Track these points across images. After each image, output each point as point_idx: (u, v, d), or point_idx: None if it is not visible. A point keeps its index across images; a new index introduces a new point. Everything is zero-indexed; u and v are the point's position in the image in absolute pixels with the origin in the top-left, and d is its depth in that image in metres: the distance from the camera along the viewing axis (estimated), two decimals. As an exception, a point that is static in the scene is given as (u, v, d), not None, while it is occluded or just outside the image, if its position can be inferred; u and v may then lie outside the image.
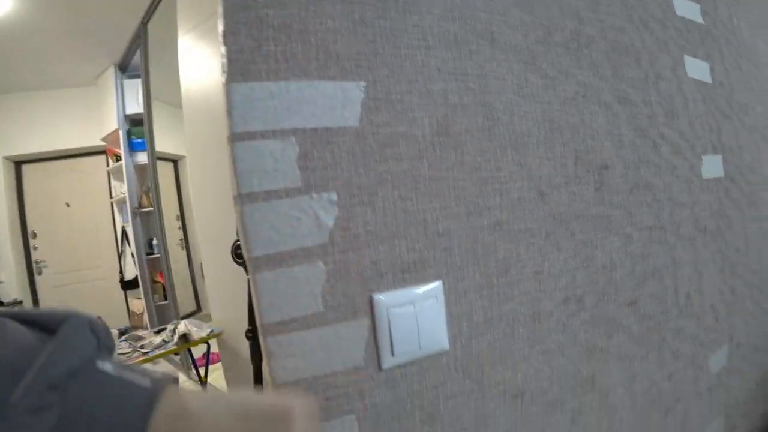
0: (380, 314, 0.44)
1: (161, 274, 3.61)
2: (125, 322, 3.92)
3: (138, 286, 3.61)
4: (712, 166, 1.00)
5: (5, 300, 3.75)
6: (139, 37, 3.01)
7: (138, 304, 3.76)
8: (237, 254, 1.45)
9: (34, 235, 3.86)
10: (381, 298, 0.44)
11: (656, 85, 0.81)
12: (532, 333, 0.57)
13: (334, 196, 0.43)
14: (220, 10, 0.42)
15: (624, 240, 0.72)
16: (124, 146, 3.34)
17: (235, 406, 0.32)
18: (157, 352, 1.86)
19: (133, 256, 3.65)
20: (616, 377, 0.73)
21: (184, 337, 1.95)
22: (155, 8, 2.81)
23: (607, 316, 0.69)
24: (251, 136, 0.43)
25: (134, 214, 3.45)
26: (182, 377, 3.25)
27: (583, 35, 0.67)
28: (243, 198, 0.42)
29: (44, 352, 0.27)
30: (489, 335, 0.53)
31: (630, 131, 0.75)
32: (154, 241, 3.55)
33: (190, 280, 4.32)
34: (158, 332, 2.06)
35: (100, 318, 0.33)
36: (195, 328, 2.02)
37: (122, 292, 3.96)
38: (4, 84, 3.48)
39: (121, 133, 3.32)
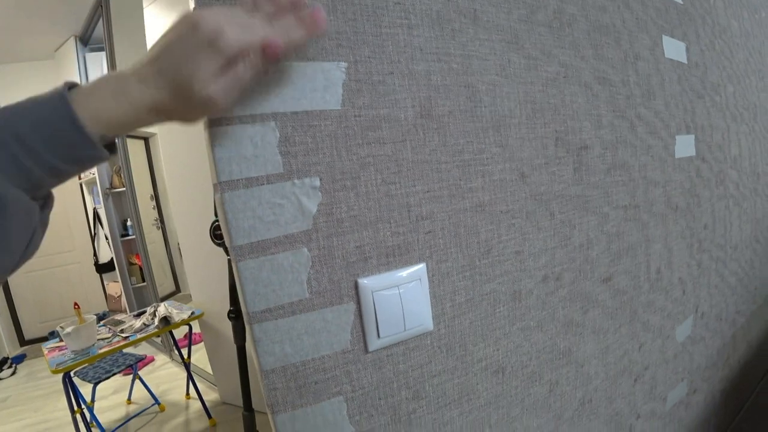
0: (365, 298, 0.44)
1: (137, 256, 3.53)
2: (103, 307, 3.85)
3: (114, 269, 3.53)
4: (684, 146, 1.03)
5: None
6: (101, 7, 2.82)
7: (115, 287, 3.68)
8: (216, 235, 1.42)
9: (-1, 220, 3.67)
10: (366, 282, 0.45)
11: (635, 65, 0.82)
12: (513, 311, 0.59)
13: (316, 182, 0.43)
14: (191, -16, 0.40)
15: (600, 219, 0.74)
16: (91, 125, 3.17)
17: (147, 54, 0.32)
18: (138, 336, 1.84)
19: (107, 239, 3.55)
20: (591, 349, 0.76)
21: (165, 320, 1.92)
22: (118, -24, 2.63)
23: (584, 293, 0.71)
24: (229, 120, 0.41)
25: (106, 196, 3.33)
26: (165, 358, 3.25)
27: (565, 14, 0.66)
28: (223, 186, 0.41)
29: None
30: (471, 314, 0.54)
31: (609, 112, 0.76)
32: (129, 223, 3.45)
33: (167, 260, 4.24)
34: (138, 315, 2.03)
35: None
36: (176, 310, 2.00)
37: (98, 275, 3.86)
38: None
39: (87, 110, 3.14)
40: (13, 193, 0.27)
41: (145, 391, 2.46)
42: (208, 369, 2.56)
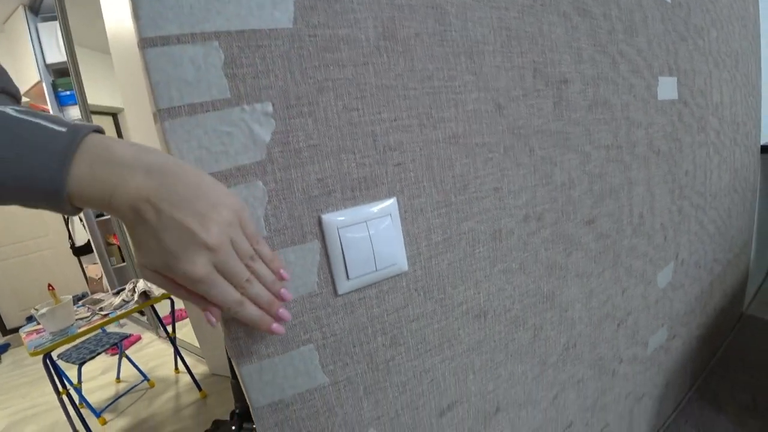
0: (331, 236, 0.41)
1: (115, 236, 3.43)
2: (84, 290, 3.76)
3: (92, 251, 3.43)
4: (667, 88, 1.00)
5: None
6: (49, -28, 2.61)
7: (95, 269, 3.59)
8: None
9: (-34, 208, 3.52)
10: (330, 218, 0.41)
11: (616, -4, 0.77)
12: (493, 251, 0.56)
13: (269, 107, 0.38)
14: None
15: (582, 158, 0.71)
16: (51, 101, 2.97)
17: (164, 157, 0.30)
18: (119, 312, 1.79)
19: (81, 221, 3.42)
20: (575, 293, 0.75)
21: (145, 294, 1.87)
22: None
23: (567, 234, 0.69)
24: (165, 40, 0.36)
25: (77, 176, 3.19)
26: (152, 336, 3.22)
27: (542, -68, 0.61)
28: (163, 114, 0.36)
29: None
30: (449, 254, 0.51)
31: (590, 45, 0.72)
32: (104, 203, 3.32)
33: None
34: (117, 293, 1.97)
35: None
36: (155, 285, 1.95)
37: (76, 258, 3.75)
38: None
39: (44, 86, 2.93)
40: None
41: (134, 369, 2.44)
42: (195, 343, 2.54)
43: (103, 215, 3.39)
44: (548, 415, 0.79)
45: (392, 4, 0.45)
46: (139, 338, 3.20)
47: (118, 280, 3.36)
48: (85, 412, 1.88)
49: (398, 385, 0.51)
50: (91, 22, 2.53)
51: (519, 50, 0.58)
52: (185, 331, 2.80)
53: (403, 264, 0.46)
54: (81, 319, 1.83)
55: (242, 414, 1.74)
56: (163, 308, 2.42)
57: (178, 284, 0.31)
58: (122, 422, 2.09)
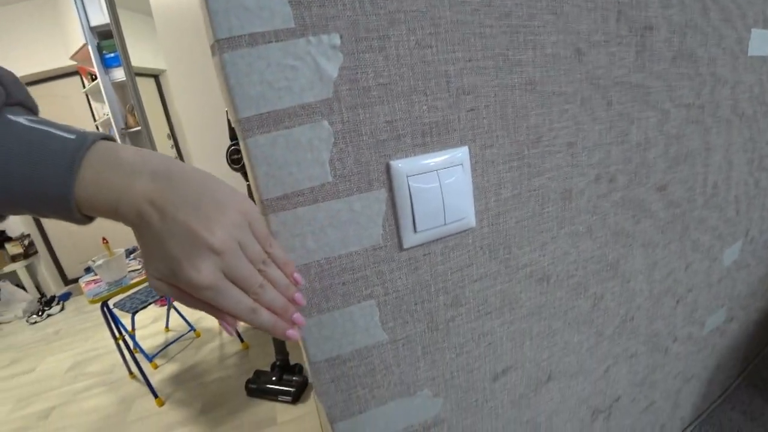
0: (399, 184, 0.38)
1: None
2: (135, 243, 3.99)
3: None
4: (761, 42, 0.88)
5: (13, 235, 3.81)
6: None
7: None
8: (233, 159, 1.38)
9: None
10: (399, 165, 0.38)
11: (717, -74, 0.67)
12: (562, 212, 0.52)
13: (336, 40, 0.35)
14: None
15: (661, 116, 0.64)
16: (97, 63, 3.04)
17: (169, 160, 0.29)
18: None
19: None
20: (639, 264, 0.70)
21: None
22: None
23: (637, 200, 0.63)
24: (226, -36, 0.33)
25: (122, 136, 3.30)
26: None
27: None
28: (222, 44, 0.33)
29: None
30: (517, 212, 0.48)
31: (680, -14, 0.63)
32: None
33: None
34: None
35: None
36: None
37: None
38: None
39: (90, 48, 3.00)
40: None
41: (182, 320, 2.59)
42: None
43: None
44: (597, 387, 0.76)
45: (470, -71, 0.40)
46: (185, 291, 3.40)
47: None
48: (138, 356, 2.03)
49: (456, 346, 0.49)
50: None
51: (604, -12, 0.51)
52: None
53: (471, 219, 0.43)
54: (133, 271, 1.94)
55: (282, 366, 1.82)
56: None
57: (189, 294, 0.29)
58: (172, 367, 2.25)
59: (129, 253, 2.22)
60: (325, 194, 0.37)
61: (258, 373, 1.92)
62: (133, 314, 2.04)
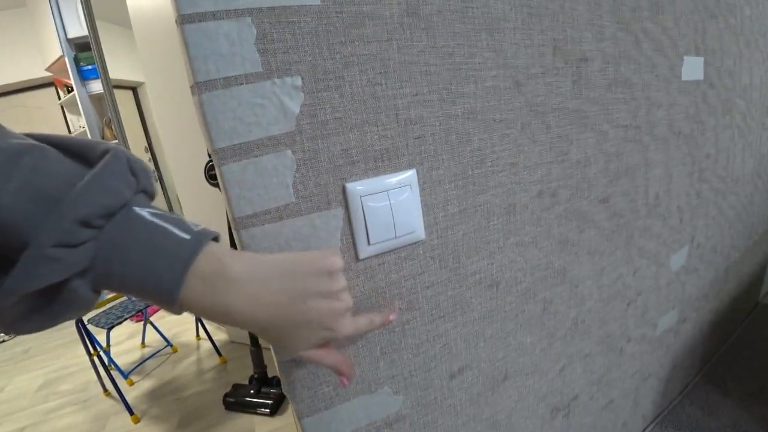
0: (354, 203, 0.44)
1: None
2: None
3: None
4: (692, 68, 0.98)
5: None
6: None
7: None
8: (210, 175, 1.41)
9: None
10: (354, 186, 0.44)
11: (643, -29, 0.76)
12: (507, 224, 0.59)
13: (298, 81, 0.41)
14: None
15: (599, 136, 0.71)
16: (73, 75, 3.03)
17: (277, 264, 0.33)
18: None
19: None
20: (586, 270, 0.77)
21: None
22: None
23: (580, 211, 0.71)
24: (202, 17, 0.38)
25: (100, 150, 3.27)
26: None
27: None
28: (200, 86, 0.38)
29: (79, 188, 0.25)
30: (464, 225, 0.54)
31: (612, 23, 0.72)
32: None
33: (167, 211, 4.22)
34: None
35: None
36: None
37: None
38: None
39: (67, 60, 2.99)
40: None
41: (158, 335, 2.56)
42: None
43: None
44: (554, 386, 0.82)
45: (416, -19, 0.47)
46: (161, 307, 3.34)
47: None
48: (113, 373, 2.00)
49: (413, 347, 0.54)
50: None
51: (539, 28, 0.58)
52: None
53: (420, 232, 0.49)
54: (109, 286, 1.92)
55: (260, 379, 1.83)
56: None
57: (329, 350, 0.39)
58: (148, 383, 2.22)
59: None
60: (289, 212, 0.42)
61: (236, 387, 1.92)
62: (109, 330, 2.02)
